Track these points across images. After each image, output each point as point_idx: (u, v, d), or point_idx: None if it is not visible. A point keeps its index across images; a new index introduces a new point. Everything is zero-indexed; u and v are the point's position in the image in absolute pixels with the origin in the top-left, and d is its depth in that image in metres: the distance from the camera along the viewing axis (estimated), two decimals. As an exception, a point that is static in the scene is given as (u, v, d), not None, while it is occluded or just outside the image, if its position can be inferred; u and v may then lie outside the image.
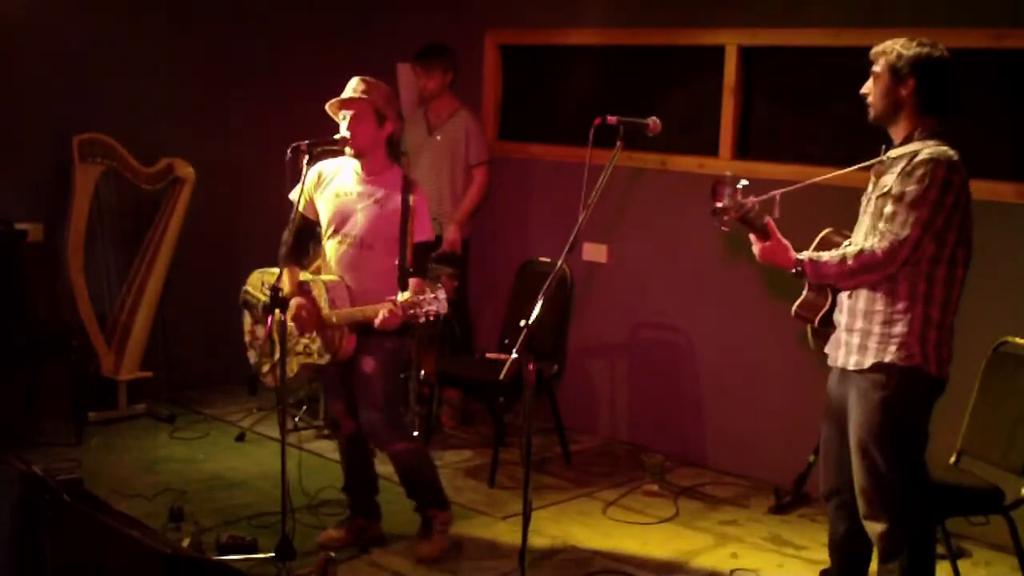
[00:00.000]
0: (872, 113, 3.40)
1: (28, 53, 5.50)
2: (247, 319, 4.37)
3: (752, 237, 3.41)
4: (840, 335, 3.47)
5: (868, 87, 3.40)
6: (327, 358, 4.06)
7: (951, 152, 3.25)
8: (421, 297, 3.80)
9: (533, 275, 5.47)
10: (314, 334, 4.05)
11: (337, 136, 4.06)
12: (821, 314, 3.56)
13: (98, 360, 5.68)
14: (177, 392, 5.99)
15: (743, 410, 5.33)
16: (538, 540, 4.42)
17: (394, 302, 3.83)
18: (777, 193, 3.35)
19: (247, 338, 4.38)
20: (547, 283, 3.29)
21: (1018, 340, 3.90)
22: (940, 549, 4.08)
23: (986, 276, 4.56)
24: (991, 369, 3.95)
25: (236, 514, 4.56)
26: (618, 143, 3.47)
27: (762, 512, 4.86)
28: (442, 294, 3.78)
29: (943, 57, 3.33)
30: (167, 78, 5.97)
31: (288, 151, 3.92)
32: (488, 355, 5.37)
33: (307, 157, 3.93)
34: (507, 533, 4.49)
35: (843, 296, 3.45)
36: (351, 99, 4.04)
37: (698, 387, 5.52)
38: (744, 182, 3.27)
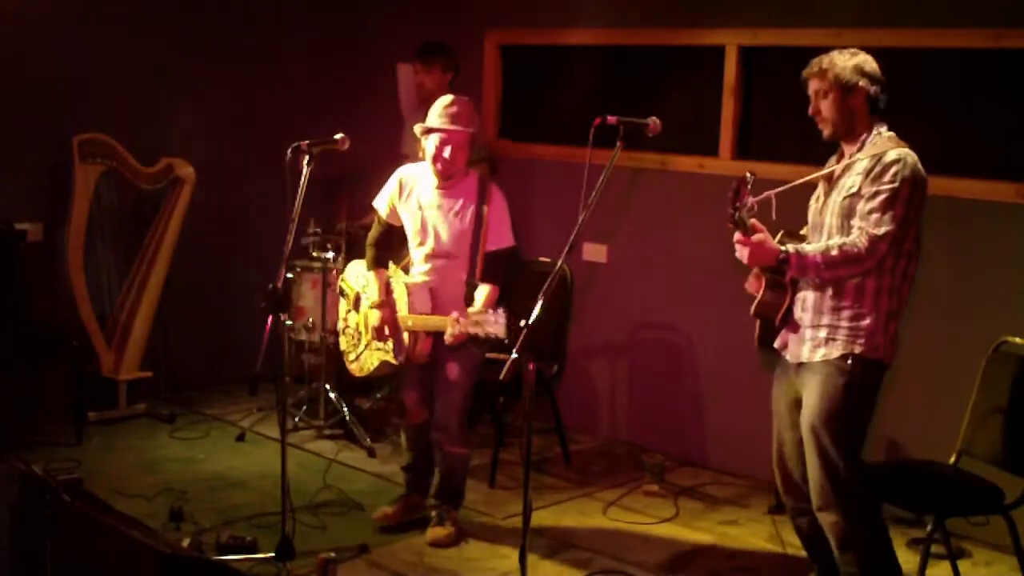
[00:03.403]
0: (829, 131, 3.52)
1: (28, 53, 5.50)
2: (342, 305, 4.54)
3: (737, 237, 3.46)
4: (804, 332, 3.55)
5: (816, 107, 3.52)
6: (401, 359, 4.19)
7: (911, 151, 3.40)
8: (483, 317, 3.78)
9: (533, 275, 5.46)
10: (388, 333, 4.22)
11: (337, 136, 4.08)
12: (781, 312, 3.61)
13: (98, 360, 5.68)
14: (177, 392, 5.99)
15: (743, 410, 5.32)
16: (538, 540, 4.42)
17: (458, 319, 3.89)
18: (772, 193, 3.42)
19: (340, 325, 4.56)
20: (547, 283, 3.29)
21: (1018, 340, 3.90)
22: (940, 549, 4.10)
23: (986, 276, 4.57)
24: (991, 369, 3.94)
25: (236, 514, 4.56)
26: (618, 143, 3.47)
27: (762, 512, 4.86)
28: (502, 317, 3.73)
29: (872, 59, 3.48)
30: (167, 78, 5.97)
31: (288, 151, 3.92)
32: (488, 355, 5.36)
33: (307, 157, 3.95)
34: (507, 533, 4.49)
35: (807, 294, 3.53)
36: (461, 132, 4.16)
37: (698, 387, 5.52)
38: (751, 175, 3.36)
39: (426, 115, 5.86)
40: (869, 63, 3.47)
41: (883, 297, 3.43)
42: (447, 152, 4.13)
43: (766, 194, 3.42)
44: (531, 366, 3.30)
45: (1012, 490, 3.75)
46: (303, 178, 3.99)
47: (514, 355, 3.24)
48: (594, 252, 5.80)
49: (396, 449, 5.36)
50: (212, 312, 6.27)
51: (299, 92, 6.30)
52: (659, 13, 5.53)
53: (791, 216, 3.66)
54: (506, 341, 3.80)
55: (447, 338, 3.97)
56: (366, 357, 4.34)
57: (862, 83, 3.44)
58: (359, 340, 4.39)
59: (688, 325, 5.54)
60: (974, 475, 3.89)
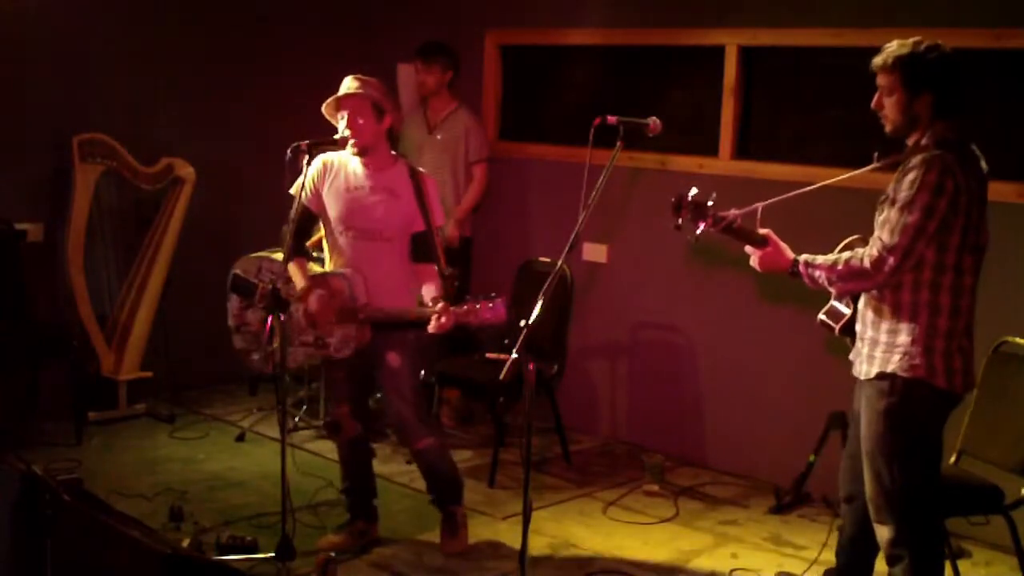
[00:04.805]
0: (889, 127, 3.33)
1: (28, 53, 5.50)
2: (233, 302, 4.31)
3: (748, 248, 3.43)
4: (857, 344, 3.45)
5: (880, 102, 3.31)
6: (349, 350, 4.05)
7: (947, 155, 3.18)
8: (478, 306, 3.73)
9: (533, 275, 5.47)
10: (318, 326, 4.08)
11: (337, 136, 4.06)
12: (843, 323, 3.53)
13: (98, 360, 5.68)
14: (177, 392, 5.99)
15: (743, 410, 5.33)
16: (538, 540, 4.42)
17: (446, 309, 3.76)
18: (759, 206, 3.37)
19: (232, 322, 4.32)
20: (547, 283, 3.29)
21: (1018, 340, 3.90)
22: (940, 549, 4.10)
23: (986, 276, 4.54)
24: (991, 369, 3.94)
25: (236, 514, 4.56)
26: (618, 143, 3.47)
27: (762, 512, 4.86)
28: (500, 304, 3.69)
29: (952, 60, 3.25)
30: (167, 78, 5.97)
31: (288, 151, 3.92)
32: (488, 355, 5.36)
33: (307, 157, 3.94)
34: (507, 533, 4.49)
35: (860, 305, 3.43)
36: (348, 96, 4.04)
37: (698, 387, 5.52)
38: (714, 195, 3.32)
39: (424, 114, 5.91)
40: (945, 64, 3.23)
41: (922, 313, 3.23)
42: (345, 119, 4.03)
43: (753, 206, 3.39)
44: (531, 366, 3.29)
45: (1012, 490, 3.75)
46: (303, 177, 3.98)
47: (514, 355, 3.24)
48: (594, 252, 5.80)
49: (396, 449, 5.37)
50: (212, 312, 6.23)
51: (299, 92, 6.28)
52: (659, 13, 5.54)
53: (795, 218, 3.65)
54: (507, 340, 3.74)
55: (432, 328, 3.79)
56: (291, 354, 4.08)
57: (931, 89, 3.21)
58: (271, 341, 4.02)
59: (688, 325, 5.54)
60: (974, 475, 3.89)
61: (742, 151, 5.35)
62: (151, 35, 5.91)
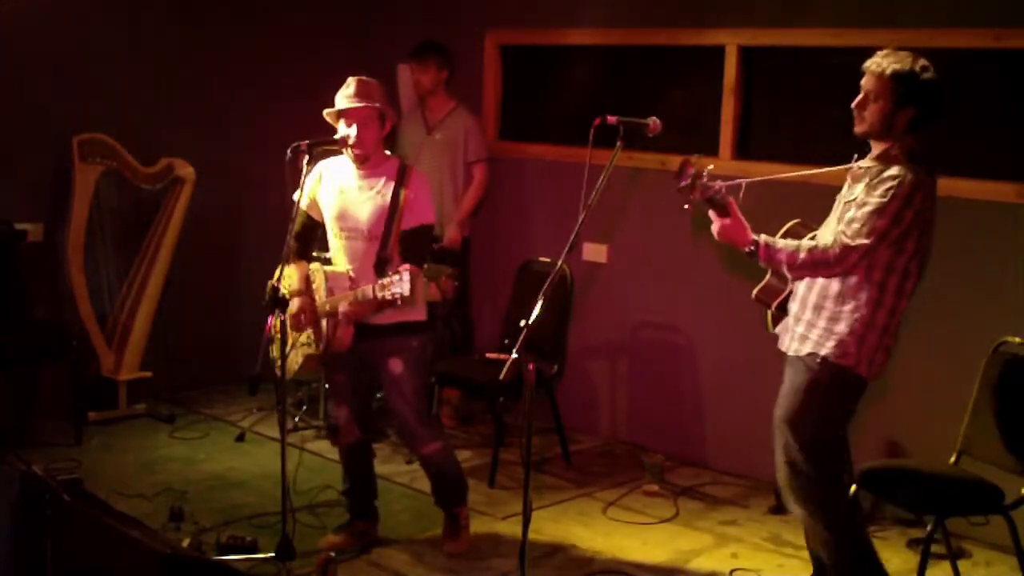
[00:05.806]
0: (862, 128, 3.46)
1: (28, 53, 5.50)
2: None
3: (712, 215, 3.52)
4: (789, 321, 3.59)
5: (862, 102, 3.44)
6: (323, 344, 4.06)
7: (919, 168, 3.34)
8: (386, 280, 3.75)
9: (533, 275, 5.47)
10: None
11: (337, 136, 4.06)
12: (779, 299, 3.68)
13: (98, 360, 5.68)
14: (177, 392, 5.99)
15: (743, 410, 5.32)
16: (538, 540, 4.42)
17: (361, 287, 3.81)
18: (743, 181, 3.48)
19: (274, 333, 4.34)
20: (547, 283, 3.29)
21: (1018, 340, 3.90)
22: (940, 549, 4.10)
23: (986, 276, 4.57)
24: (991, 369, 3.94)
25: (236, 514, 4.56)
26: (618, 143, 3.48)
27: (762, 512, 4.86)
28: (407, 276, 3.72)
29: (940, 83, 3.40)
30: (167, 78, 5.97)
31: (288, 151, 3.92)
32: (488, 355, 5.37)
33: (307, 157, 3.93)
34: (507, 533, 4.49)
35: (799, 286, 3.57)
36: (360, 108, 4.02)
37: (698, 387, 5.52)
38: (710, 167, 3.42)
39: (423, 114, 5.91)
40: (934, 87, 3.38)
41: (864, 308, 3.40)
42: (352, 130, 4.02)
43: (737, 181, 3.47)
44: (531, 366, 3.30)
45: (1012, 490, 3.75)
46: (303, 178, 3.99)
47: (514, 355, 3.24)
48: (594, 252, 5.80)
49: (396, 449, 5.37)
50: (212, 312, 6.27)
51: (299, 92, 6.29)
52: (659, 13, 5.53)
53: (773, 212, 3.66)
54: (403, 297, 3.73)
55: (344, 305, 3.88)
56: (291, 356, 4.17)
57: (915, 106, 3.36)
58: (274, 346, 4.17)
59: (688, 325, 5.54)
60: (974, 475, 3.89)
61: (742, 151, 5.35)
62: (151, 35, 5.91)
